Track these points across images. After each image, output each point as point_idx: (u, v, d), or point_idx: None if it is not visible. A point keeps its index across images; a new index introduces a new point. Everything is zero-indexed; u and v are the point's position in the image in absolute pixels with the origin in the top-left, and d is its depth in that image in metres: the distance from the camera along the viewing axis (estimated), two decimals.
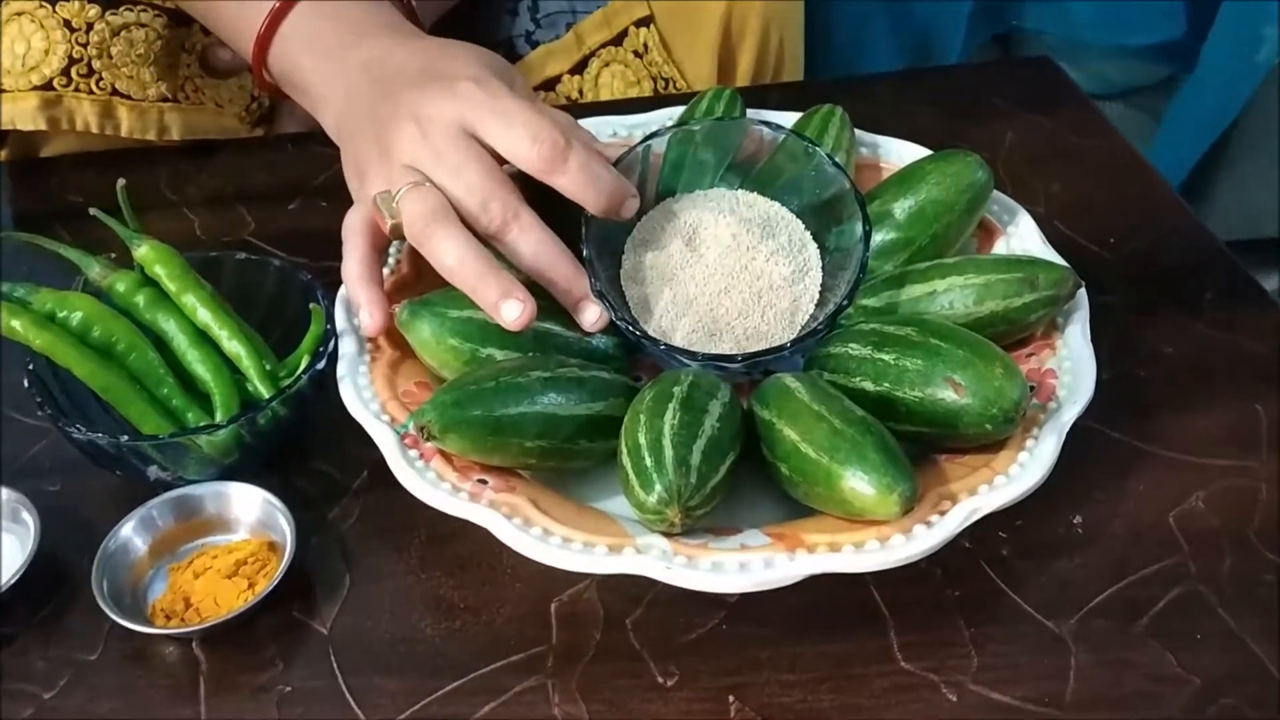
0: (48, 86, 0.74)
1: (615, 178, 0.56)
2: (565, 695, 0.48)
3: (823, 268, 0.58)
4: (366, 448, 0.57)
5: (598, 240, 0.56)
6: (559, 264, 0.55)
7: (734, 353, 0.55)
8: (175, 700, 0.48)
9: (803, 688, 0.48)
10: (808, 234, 0.59)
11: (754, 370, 0.57)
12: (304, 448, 0.58)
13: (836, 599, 0.50)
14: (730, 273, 0.57)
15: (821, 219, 0.59)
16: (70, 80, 0.75)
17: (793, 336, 0.55)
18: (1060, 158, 0.76)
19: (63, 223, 0.73)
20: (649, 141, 0.59)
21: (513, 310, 0.53)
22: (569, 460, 0.53)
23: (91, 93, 0.75)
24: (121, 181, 0.58)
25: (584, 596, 0.52)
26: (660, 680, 0.48)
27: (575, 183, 0.55)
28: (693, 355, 0.54)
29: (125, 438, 0.52)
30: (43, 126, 0.75)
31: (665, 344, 0.54)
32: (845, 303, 0.54)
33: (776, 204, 0.60)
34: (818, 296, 0.57)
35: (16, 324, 0.54)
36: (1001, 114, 0.80)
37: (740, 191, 0.60)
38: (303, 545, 0.52)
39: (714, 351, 0.55)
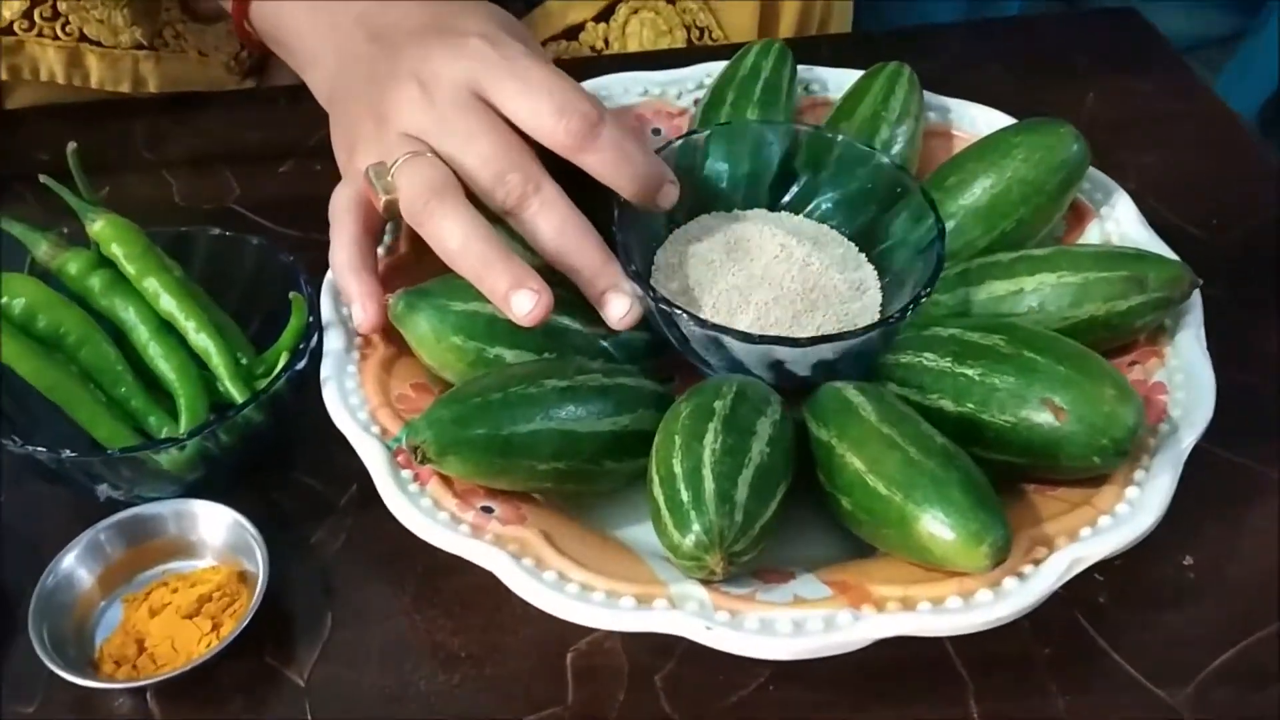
0: (7, 31, 0.66)
1: (653, 159, 0.49)
2: None
3: (881, 287, 0.50)
4: (355, 457, 0.49)
5: (628, 235, 0.48)
6: (585, 246, 0.47)
7: (796, 335, 0.46)
8: None
9: None
10: (863, 256, 0.51)
11: (813, 374, 0.48)
12: (283, 455, 0.51)
13: (904, 655, 0.42)
14: (778, 281, 0.49)
15: (878, 217, 0.51)
16: (33, 24, 0.67)
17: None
18: (1151, 125, 0.66)
19: (26, 185, 0.65)
20: (691, 136, 0.52)
21: (525, 302, 0.45)
22: (590, 483, 0.45)
23: (57, 38, 0.67)
24: (72, 145, 0.50)
25: (605, 646, 0.44)
26: None
27: (607, 162, 0.47)
28: (748, 337, 0.45)
29: (68, 452, 0.44)
30: (3, 76, 0.67)
31: (719, 325, 0.45)
32: (927, 290, 0.46)
33: (825, 226, 0.53)
34: (878, 315, 0.49)
35: None
36: (1081, 73, 0.70)
37: (784, 215, 0.53)
38: (278, 576, 0.45)
39: (775, 334, 0.47)
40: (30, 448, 0.44)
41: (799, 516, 0.44)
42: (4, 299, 0.48)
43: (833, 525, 0.44)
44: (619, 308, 0.47)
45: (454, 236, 0.46)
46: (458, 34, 0.49)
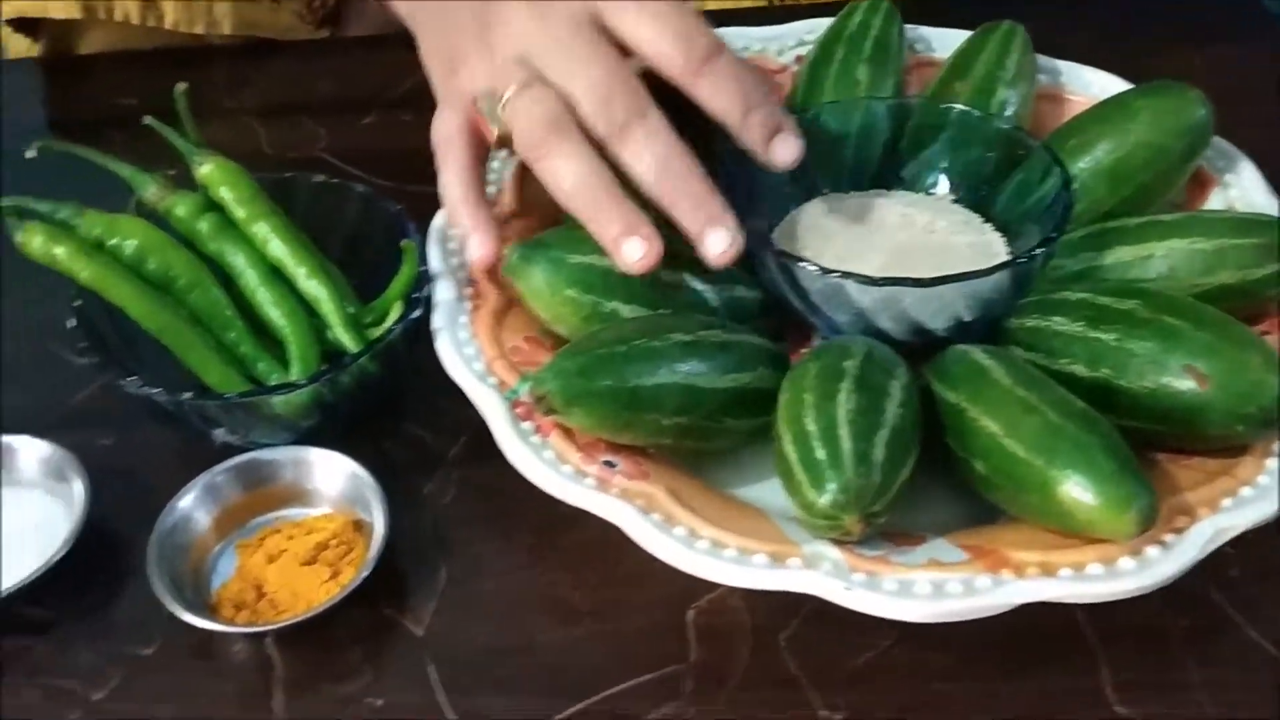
0: None
1: (773, 102, 0.47)
2: None
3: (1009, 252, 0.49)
4: (465, 408, 0.49)
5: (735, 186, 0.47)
6: (690, 178, 0.45)
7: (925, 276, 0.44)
8: (245, 709, 0.41)
9: None
10: (988, 225, 0.50)
11: (939, 328, 0.46)
12: (390, 406, 0.50)
13: (1032, 622, 0.41)
14: (901, 247, 0.48)
15: (996, 184, 0.51)
16: None
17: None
18: (1261, 92, 0.65)
19: (108, 131, 0.64)
20: (816, 110, 0.52)
21: (635, 250, 0.44)
22: (708, 440, 0.44)
23: None
24: (182, 85, 0.49)
25: (727, 604, 0.43)
26: (825, 714, 0.40)
27: (721, 91, 0.45)
28: (872, 280, 0.44)
29: (188, 396, 0.43)
30: (77, 15, 0.66)
31: (844, 271, 0.44)
32: (1056, 234, 0.45)
33: (942, 199, 0.52)
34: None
35: (60, 252, 0.46)
36: (1186, 37, 0.68)
37: (899, 191, 0.52)
38: (391, 526, 0.44)
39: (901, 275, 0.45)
40: (150, 390, 0.43)
41: (920, 481, 0.43)
42: (115, 240, 0.47)
43: (954, 490, 0.44)
44: (718, 243, 0.45)
45: (570, 176, 0.45)
46: None
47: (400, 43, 0.69)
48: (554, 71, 0.46)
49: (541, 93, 0.46)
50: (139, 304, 0.46)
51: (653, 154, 0.45)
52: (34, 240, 0.46)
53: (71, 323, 0.46)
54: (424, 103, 0.68)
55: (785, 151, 0.47)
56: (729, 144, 0.47)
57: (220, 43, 0.71)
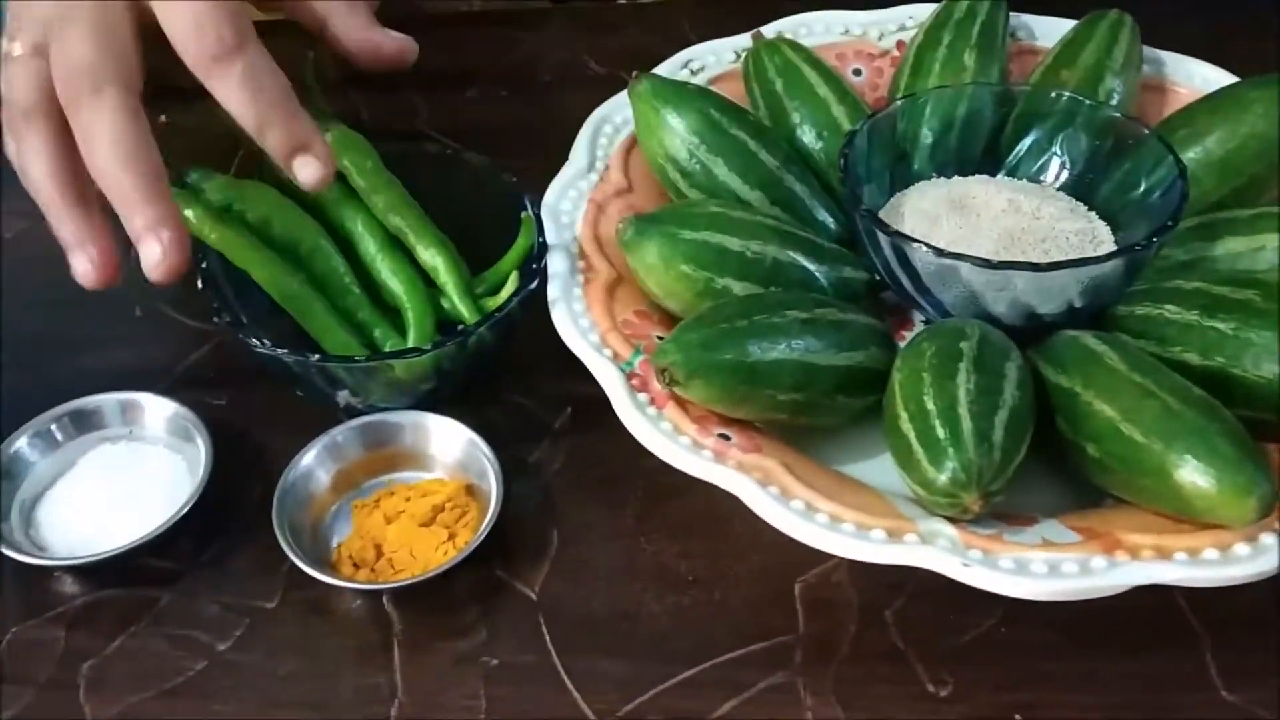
0: None
1: (299, 117, 0.44)
2: (819, 699, 0.41)
3: (1114, 241, 0.49)
4: (568, 381, 0.50)
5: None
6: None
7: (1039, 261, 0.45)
8: (365, 665, 0.42)
9: (1104, 712, 0.40)
10: (1093, 213, 0.51)
11: (1048, 311, 0.46)
12: (498, 375, 0.51)
13: (1134, 606, 0.42)
14: (1008, 232, 0.48)
15: (1104, 172, 0.51)
16: None
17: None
18: None
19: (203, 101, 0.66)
20: (920, 96, 0.52)
21: (81, 264, 0.43)
22: (818, 416, 0.45)
23: None
24: (309, 54, 0.50)
25: (833, 579, 0.44)
26: (931, 689, 0.41)
27: (236, 101, 0.43)
28: (988, 263, 0.44)
29: (316, 358, 0.44)
30: None
31: (958, 253, 0.44)
32: (1171, 223, 0.45)
33: (1048, 186, 0.52)
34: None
35: (190, 214, 0.47)
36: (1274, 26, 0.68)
37: (1004, 178, 0.53)
38: (503, 491, 0.45)
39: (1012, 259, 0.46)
40: (280, 351, 0.44)
41: (1025, 463, 0.44)
42: (242, 205, 0.48)
43: (1058, 472, 0.44)
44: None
45: (34, 171, 0.44)
46: None
47: (501, 18, 0.70)
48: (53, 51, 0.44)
49: (31, 68, 0.44)
50: (264, 269, 0.47)
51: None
52: None
53: (199, 285, 0.47)
54: (523, 79, 0.70)
55: (305, 173, 0.45)
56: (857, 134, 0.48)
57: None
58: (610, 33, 0.72)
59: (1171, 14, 0.63)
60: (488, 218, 0.51)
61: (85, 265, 0.43)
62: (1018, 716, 0.40)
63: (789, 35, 0.59)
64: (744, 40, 0.60)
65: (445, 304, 0.49)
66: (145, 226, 0.42)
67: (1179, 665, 0.42)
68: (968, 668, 0.42)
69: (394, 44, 0.47)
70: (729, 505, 0.45)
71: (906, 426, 0.41)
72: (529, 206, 0.50)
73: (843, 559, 0.44)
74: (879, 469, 0.45)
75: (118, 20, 0.45)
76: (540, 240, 0.48)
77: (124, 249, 0.44)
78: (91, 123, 0.42)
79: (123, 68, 0.44)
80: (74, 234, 0.43)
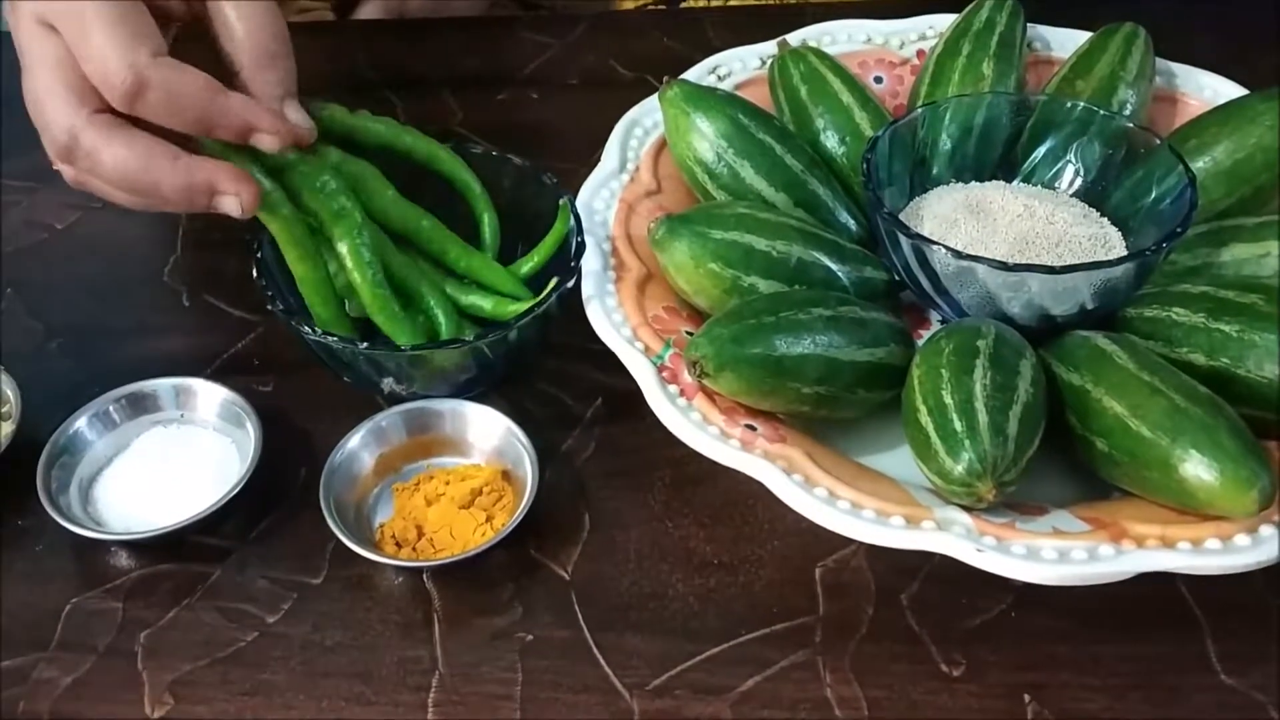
0: None
1: (224, 104, 0.46)
2: (838, 676, 0.43)
3: (1125, 246, 0.51)
4: (598, 372, 0.53)
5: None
6: (207, 106, 0.45)
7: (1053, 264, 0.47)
8: (407, 639, 0.44)
9: (1109, 694, 0.42)
10: (1105, 219, 0.53)
11: (1061, 312, 0.48)
12: (531, 366, 0.53)
13: (1138, 593, 0.44)
14: (1024, 236, 0.50)
15: (1116, 180, 0.53)
16: None
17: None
18: None
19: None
20: (940, 103, 0.54)
21: (230, 203, 0.46)
22: (840, 409, 0.47)
23: None
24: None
25: (851, 564, 0.46)
26: (945, 669, 0.43)
27: (164, 119, 0.46)
28: (1005, 265, 0.46)
29: (364, 345, 0.47)
30: None
31: (975, 255, 0.46)
32: (1180, 230, 0.47)
33: (1062, 193, 0.54)
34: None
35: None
36: None
37: (1019, 184, 0.55)
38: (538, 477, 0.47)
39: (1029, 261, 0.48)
40: (329, 338, 0.47)
41: (1040, 456, 0.46)
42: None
43: (1067, 465, 0.46)
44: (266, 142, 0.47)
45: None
46: None
47: (533, 25, 0.72)
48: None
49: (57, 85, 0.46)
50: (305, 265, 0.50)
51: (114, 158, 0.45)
52: None
53: (254, 274, 0.50)
54: (551, 81, 0.72)
55: (263, 145, 0.47)
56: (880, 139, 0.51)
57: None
58: (635, 38, 0.74)
59: (1183, 28, 0.65)
60: (530, 215, 0.54)
61: (232, 201, 0.46)
62: (1027, 696, 0.42)
63: (813, 43, 0.61)
64: (769, 47, 0.62)
65: (486, 303, 0.51)
66: (246, 130, 0.46)
67: (1181, 650, 0.44)
68: (979, 649, 0.44)
69: (291, 130, 0.47)
70: (751, 493, 0.47)
71: (925, 419, 0.43)
72: (569, 203, 0.52)
73: (860, 545, 0.46)
74: (895, 460, 0.47)
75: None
76: (579, 240, 0.51)
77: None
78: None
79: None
80: (206, 178, 0.46)
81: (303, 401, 0.52)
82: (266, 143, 0.47)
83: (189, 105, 0.45)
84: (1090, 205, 0.54)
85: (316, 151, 0.49)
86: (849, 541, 0.46)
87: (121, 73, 0.44)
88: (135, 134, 0.46)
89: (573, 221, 0.51)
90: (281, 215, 0.47)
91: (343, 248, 0.48)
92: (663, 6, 0.80)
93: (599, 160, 0.56)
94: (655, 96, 0.56)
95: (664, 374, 0.47)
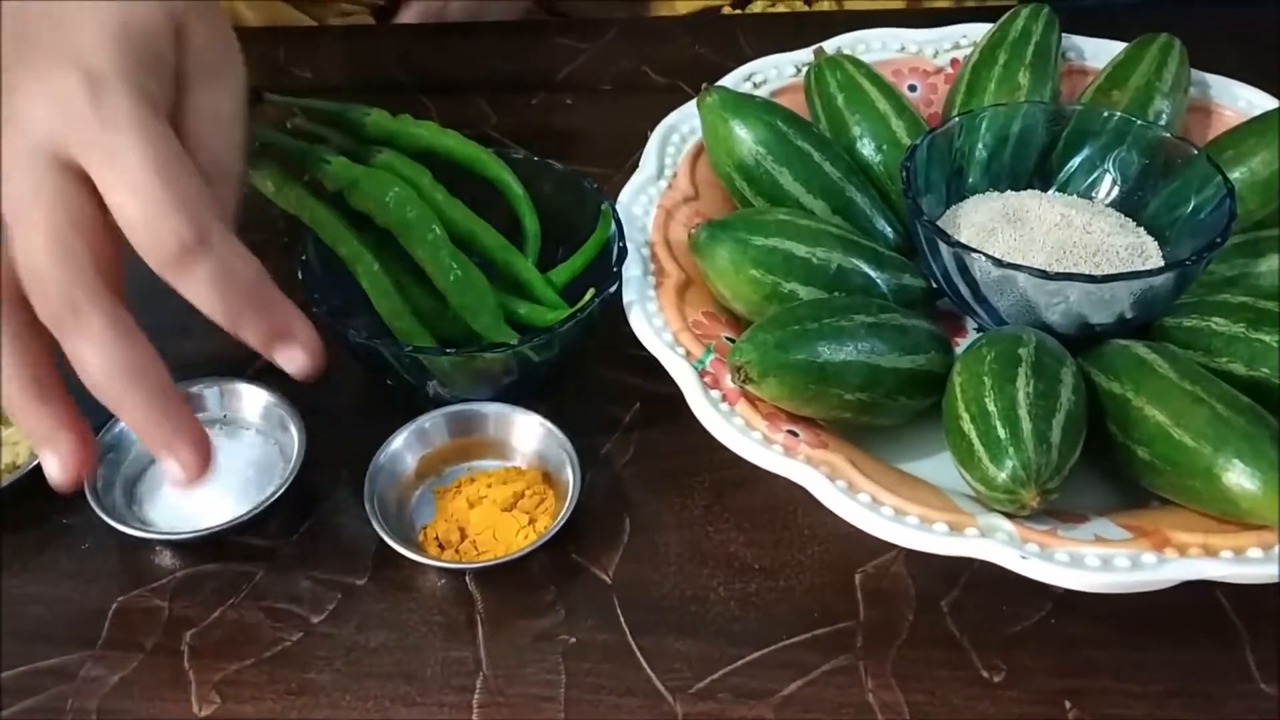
0: None
1: (272, 305, 0.40)
2: (879, 680, 0.43)
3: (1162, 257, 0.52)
4: (636, 377, 0.53)
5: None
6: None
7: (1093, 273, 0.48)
8: (451, 640, 0.45)
9: (1149, 701, 0.43)
10: (1141, 229, 0.53)
11: (1100, 322, 0.49)
12: (571, 371, 0.54)
13: (1177, 601, 0.44)
14: (1061, 245, 0.50)
15: (1152, 190, 0.53)
16: None
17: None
18: None
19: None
20: (977, 112, 0.54)
21: (51, 464, 0.40)
22: (880, 416, 0.48)
23: None
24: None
25: (891, 570, 0.47)
26: (985, 674, 0.44)
27: (206, 300, 0.39)
28: (1045, 274, 0.46)
29: (409, 348, 0.47)
30: None
31: (1017, 264, 0.47)
32: (1220, 239, 0.47)
33: (1098, 203, 0.55)
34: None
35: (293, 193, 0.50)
36: None
37: (1056, 193, 0.55)
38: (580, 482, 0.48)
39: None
40: (375, 342, 0.47)
41: (1080, 464, 0.46)
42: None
43: (1107, 474, 0.47)
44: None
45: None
46: (57, 59, 0.39)
47: (565, 30, 0.72)
48: (16, 230, 0.38)
49: None
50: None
51: (97, 358, 0.39)
52: (266, 183, 0.50)
53: (300, 276, 0.50)
54: (583, 86, 0.73)
55: (291, 365, 0.41)
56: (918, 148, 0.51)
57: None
58: (668, 44, 0.74)
59: (1218, 39, 0.66)
60: (571, 220, 0.54)
61: (55, 462, 0.40)
62: (1067, 702, 0.43)
63: (848, 51, 0.61)
64: (803, 55, 0.62)
65: (523, 308, 0.52)
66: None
67: (1220, 658, 0.44)
68: (1020, 655, 0.44)
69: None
70: (791, 498, 0.47)
71: (968, 426, 0.43)
72: (611, 209, 0.52)
73: (900, 550, 0.46)
74: (933, 466, 0.47)
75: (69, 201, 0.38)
76: (621, 245, 0.51)
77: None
78: (85, 340, 0.38)
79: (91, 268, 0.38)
80: (48, 423, 0.40)
81: (344, 402, 0.52)
82: (295, 362, 0.41)
83: (239, 280, 0.39)
84: (1126, 214, 0.54)
85: (371, 161, 0.50)
86: (889, 547, 0.46)
87: (182, 226, 0.37)
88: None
89: (614, 227, 0.51)
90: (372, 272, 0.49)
91: (422, 255, 0.49)
92: (739, 11, 0.80)
93: (633, 165, 0.57)
94: (693, 103, 0.57)
95: (705, 379, 0.47)
